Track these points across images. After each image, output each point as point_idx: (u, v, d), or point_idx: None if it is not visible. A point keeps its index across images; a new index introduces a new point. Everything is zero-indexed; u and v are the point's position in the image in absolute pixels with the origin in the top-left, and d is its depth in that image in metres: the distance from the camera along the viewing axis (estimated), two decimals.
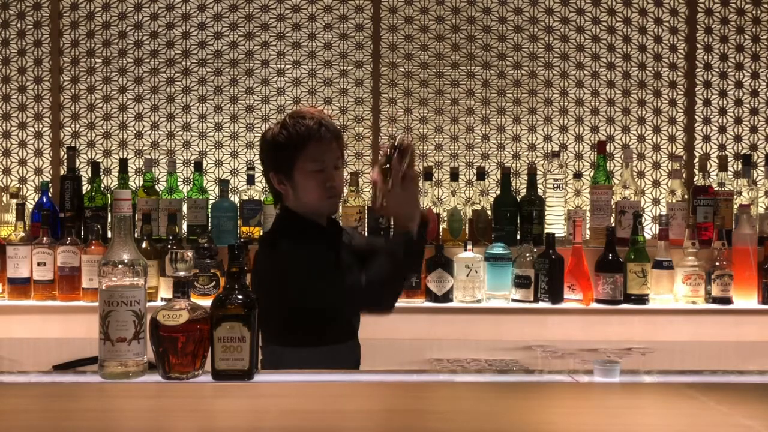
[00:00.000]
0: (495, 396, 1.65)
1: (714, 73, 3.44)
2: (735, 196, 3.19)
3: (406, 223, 1.99)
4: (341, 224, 2.27)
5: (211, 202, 3.16)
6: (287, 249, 2.04)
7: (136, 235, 2.89)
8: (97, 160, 3.29)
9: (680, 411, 1.50)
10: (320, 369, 1.84)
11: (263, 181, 3.29)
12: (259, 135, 3.34)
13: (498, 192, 3.22)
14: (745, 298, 2.97)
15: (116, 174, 3.28)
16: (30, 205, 3.19)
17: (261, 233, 3.10)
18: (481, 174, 3.23)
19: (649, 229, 3.35)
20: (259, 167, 3.34)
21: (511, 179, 3.32)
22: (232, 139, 3.37)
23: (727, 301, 2.94)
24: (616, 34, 3.42)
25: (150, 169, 3.18)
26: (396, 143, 1.97)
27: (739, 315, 2.92)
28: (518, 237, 3.09)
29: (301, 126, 2.02)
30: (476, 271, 2.95)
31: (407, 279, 2.30)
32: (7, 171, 3.34)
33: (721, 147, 3.43)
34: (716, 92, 3.44)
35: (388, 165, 1.97)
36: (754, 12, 3.44)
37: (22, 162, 3.34)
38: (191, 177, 3.22)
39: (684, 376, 1.80)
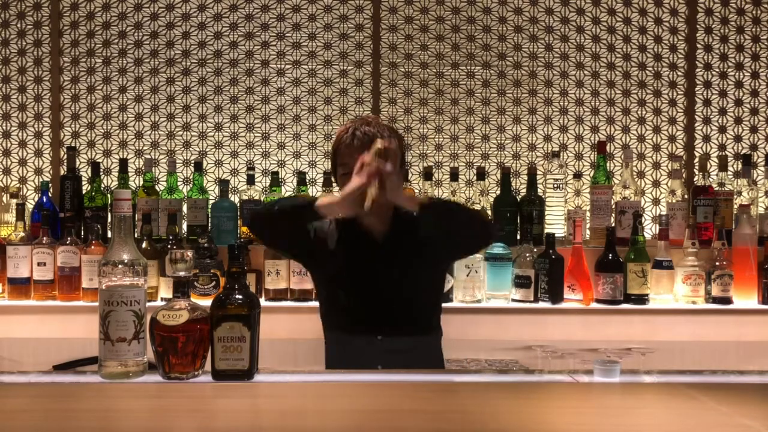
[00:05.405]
0: (495, 396, 1.64)
1: (714, 73, 3.43)
2: (735, 196, 3.18)
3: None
4: None
5: (211, 202, 3.16)
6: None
7: (136, 235, 2.89)
8: (97, 160, 3.29)
9: (680, 411, 1.50)
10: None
11: (263, 181, 3.32)
12: (259, 135, 3.37)
13: (498, 192, 3.22)
14: (745, 298, 2.97)
15: (116, 174, 3.28)
16: (30, 205, 3.19)
17: None
18: (481, 174, 3.23)
19: (649, 229, 3.35)
20: (258, 167, 3.35)
21: (511, 179, 3.32)
22: (232, 139, 3.37)
23: (727, 301, 2.94)
24: (616, 34, 3.42)
25: (150, 169, 3.18)
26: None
27: (739, 315, 2.92)
28: (518, 237, 3.08)
29: (339, 134, 2.20)
30: (476, 271, 2.95)
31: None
32: (7, 171, 3.34)
33: (721, 147, 3.43)
34: (716, 92, 3.44)
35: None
36: (754, 12, 3.44)
37: (22, 162, 3.34)
38: (191, 177, 3.22)
39: (684, 376, 1.80)
